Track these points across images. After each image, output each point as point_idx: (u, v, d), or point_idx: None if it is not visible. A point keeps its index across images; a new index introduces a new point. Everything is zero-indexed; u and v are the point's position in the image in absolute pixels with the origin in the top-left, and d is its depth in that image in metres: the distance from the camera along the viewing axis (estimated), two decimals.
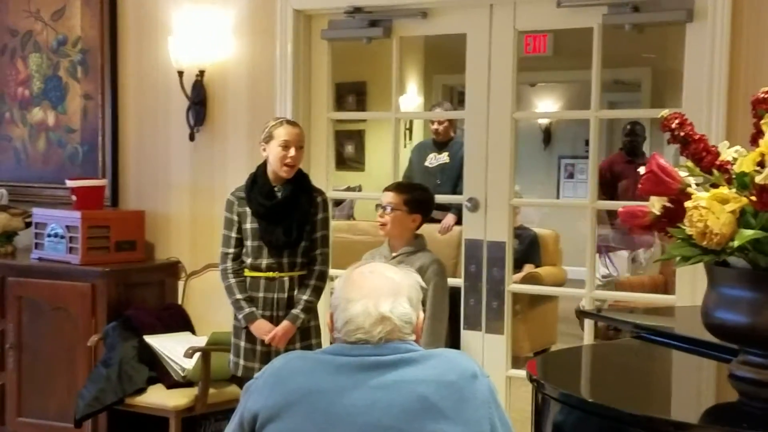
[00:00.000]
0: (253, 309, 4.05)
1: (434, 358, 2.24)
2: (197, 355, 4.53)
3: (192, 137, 5.21)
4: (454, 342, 4.50)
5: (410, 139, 9.09)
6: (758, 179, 1.92)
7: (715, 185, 2.01)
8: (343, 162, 9.28)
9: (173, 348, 4.70)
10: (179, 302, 5.25)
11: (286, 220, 4.02)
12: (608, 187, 7.30)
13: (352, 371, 2.19)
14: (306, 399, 2.18)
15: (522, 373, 3.83)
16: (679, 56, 4.27)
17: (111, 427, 4.87)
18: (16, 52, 5.96)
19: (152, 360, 4.73)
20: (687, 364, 2.64)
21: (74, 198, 5.26)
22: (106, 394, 4.63)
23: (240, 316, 4.08)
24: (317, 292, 4.12)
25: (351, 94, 9.02)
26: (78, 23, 5.64)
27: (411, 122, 9.37)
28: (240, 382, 4.08)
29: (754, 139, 2.03)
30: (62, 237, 5.15)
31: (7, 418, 5.25)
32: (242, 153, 5.04)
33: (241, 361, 4.11)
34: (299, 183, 4.11)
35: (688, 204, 1.98)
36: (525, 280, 6.59)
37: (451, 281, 4.41)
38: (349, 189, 8.43)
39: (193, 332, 5.05)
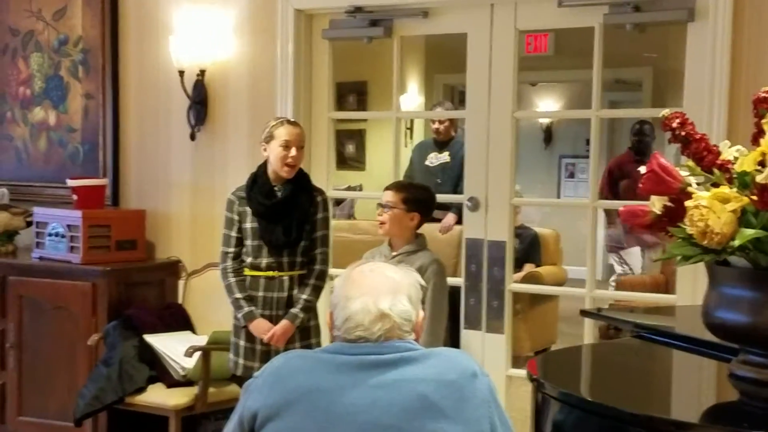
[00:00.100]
0: (252, 308, 4.05)
1: (434, 357, 2.24)
2: (197, 354, 4.53)
3: (193, 137, 5.21)
4: (454, 341, 4.50)
5: (411, 138, 9.09)
6: (759, 179, 1.92)
7: (716, 185, 2.01)
8: (343, 161, 9.28)
9: (173, 347, 4.70)
10: (180, 301, 5.25)
11: (286, 220, 4.02)
12: (617, 186, 7.31)
13: (352, 370, 2.19)
14: (306, 398, 2.18)
15: (522, 372, 3.84)
16: (680, 56, 4.27)
17: (111, 426, 4.87)
18: (17, 51, 5.96)
19: (152, 359, 4.73)
20: (687, 364, 2.64)
21: (75, 197, 5.26)
22: (107, 393, 4.63)
23: (239, 315, 4.08)
24: (316, 291, 4.12)
25: (352, 93, 9.02)
26: (79, 23, 5.64)
27: (412, 122, 9.37)
28: (240, 381, 4.08)
29: (755, 139, 2.03)
30: (63, 236, 5.15)
31: (8, 416, 5.26)
32: (243, 152, 5.04)
33: (241, 360, 4.11)
34: (299, 182, 4.11)
35: (688, 203, 1.98)
36: (525, 280, 6.59)
37: (452, 280, 4.41)
38: (349, 188, 8.43)
39: (194, 331, 5.05)
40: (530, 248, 7.24)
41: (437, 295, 4.02)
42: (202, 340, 4.70)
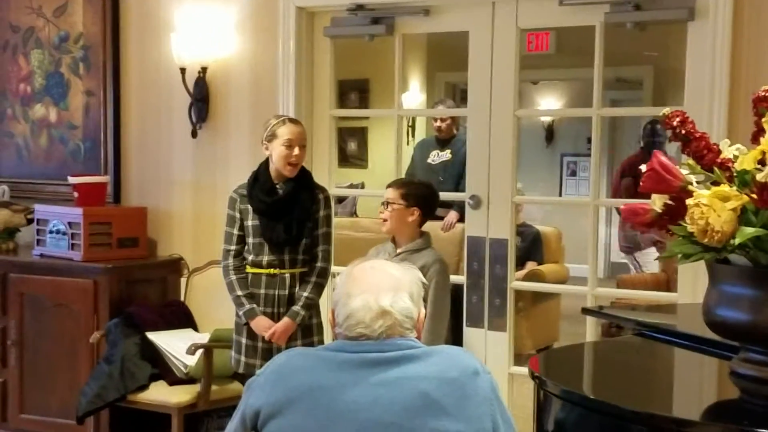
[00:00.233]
0: (254, 305, 4.06)
1: (436, 355, 2.25)
2: (199, 351, 4.54)
3: (194, 134, 5.21)
4: (456, 339, 4.51)
5: (413, 136, 9.10)
6: (759, 177, 1.93)
7: (716, 183, 2.02)
8: (345, 159, 9.29)
9: (175, 345, 4.71)
10: (182, 299, 5.25)
11: (287, 217, 4.02)
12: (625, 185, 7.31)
13: (353, 368, 2.20)
14: (307, 395, 2.19)
15: (524, 370, 3.86)
16: (680, 54, 4.28)
17: (113, 424, 4.87)
18: (17, 48, 5.96)
19: (154, 357, 4.73)
20: (688, 362, 2.65)
21: (76, 194, 5.26)
22: (108, 390, 4.63)
23: (240, 313, 4.08)
24: (318, 289, 4.12)
25: (354, 91, 9.03)
26: (80, 20, 5.65)
27: (413, 119, 9.38)
28: (242, 378, 4.09)
29: (755, 137, 2.03)
30: (64, 233, 5.15)
31: (9, 414, 5.26)
32: (244, 150, 5.04)
33: (243, 358, 4.12)
34: (301, 180, 4.11)
35: (689, 201, 1.98)
36: (527, 278, 6.59)
37: (454, 278, 4.42)
38: (351, 186, 8.44)
39: (196, 329, 5.05)
40: (532, 246, 7.24)
41: (439, 294, 4.02)
42: (204, 337, 4.70)
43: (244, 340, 4.11)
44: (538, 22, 4.69)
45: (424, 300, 2.42)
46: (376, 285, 2.28)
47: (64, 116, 5.78)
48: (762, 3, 3.94)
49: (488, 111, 4.52)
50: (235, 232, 4.13)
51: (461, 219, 5.57)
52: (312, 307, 4.11)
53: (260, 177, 4.10)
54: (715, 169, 2.03)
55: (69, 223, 5.13)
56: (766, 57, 3.93)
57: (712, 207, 1.93)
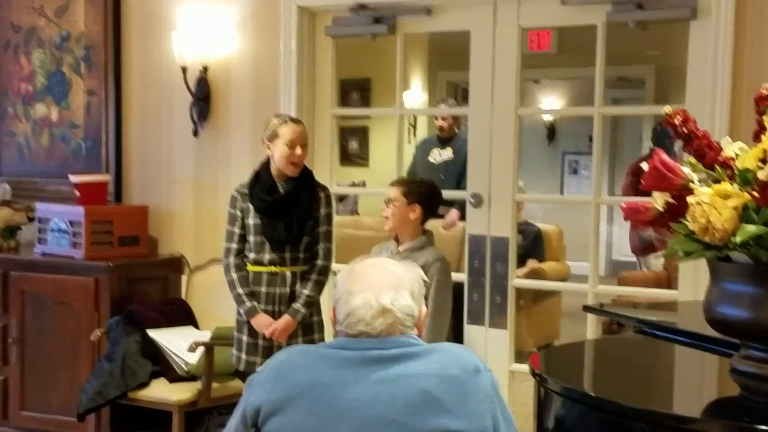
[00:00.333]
0: (254, 303, 4.06)
1: (437, 353, 2.25)
2: (200, 349, 4.54)
3: (195, 133, 5.22)
4: (457, 337, 4.51)
5: (414, 135, 9.11)
6: (760, 175, 1.93)
7: (717, 181, 2.02)
8: (347, 158, 9.30)
9: (176, 342, 4.71)
10: (182, 297, 5.25)
11: (288, 216, 4.02)
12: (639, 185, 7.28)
13: (354, 365, 2.20)
14: (308, 393, 2.19)
15: (525, 367, 3.85)
16: (682, 53, 4.27)
17: (114, 422, 4.88)
18: (19, 47, 5.96)
19: (155, 354, 4.74)
20: (689, 359, 2.65)
21: (77, 193, 5.27)
22: (109, 388, 4.63)
23: (241, 311, 4.09)
24: (319, 286, 4.12)
25: (355, 90, 9.03)
26: (81, 19, 5.65)
27: (415, 118, 9.39)
28: (243, 376, 4.08)
29: (757, 136, 2.04)
30: (65, 232, 5.16)
31: (11, 412, 5.27)
32: (246, 149, 5.05)
33: (244, 356, 4.12)
34: (302, 179, 4.11)
35: (690, 199, 1.99)
36: (528, 276, 6.59)
37: (455, 276, 4.42)
38: (353, 185, 8.44)
39: (197, 327, 5.06)
40: (533, 244, 7.24)
41: (440, 292, 4.02)
42: (205, 335, 4.71)
43: (244, 338, 4.12)
44: (539, 21, 4.69)
45: (426, 298, 2.42)
46: (377, 283, 2.28)
47: (66, 115, 5.79)
48: (764, 2, 3.94)
49: (490, 110, 4.52)
50: (237, 230, 4.13)
51: (462, 217, 5.57)
52: (312, 304, 4.11)
53: (261, 175, 4.10)
54: (717, 167, 2.04)
55: (70, 222, 5.14)
56: (767, 56, 3.93)
57: (714, 205, 1.93)
